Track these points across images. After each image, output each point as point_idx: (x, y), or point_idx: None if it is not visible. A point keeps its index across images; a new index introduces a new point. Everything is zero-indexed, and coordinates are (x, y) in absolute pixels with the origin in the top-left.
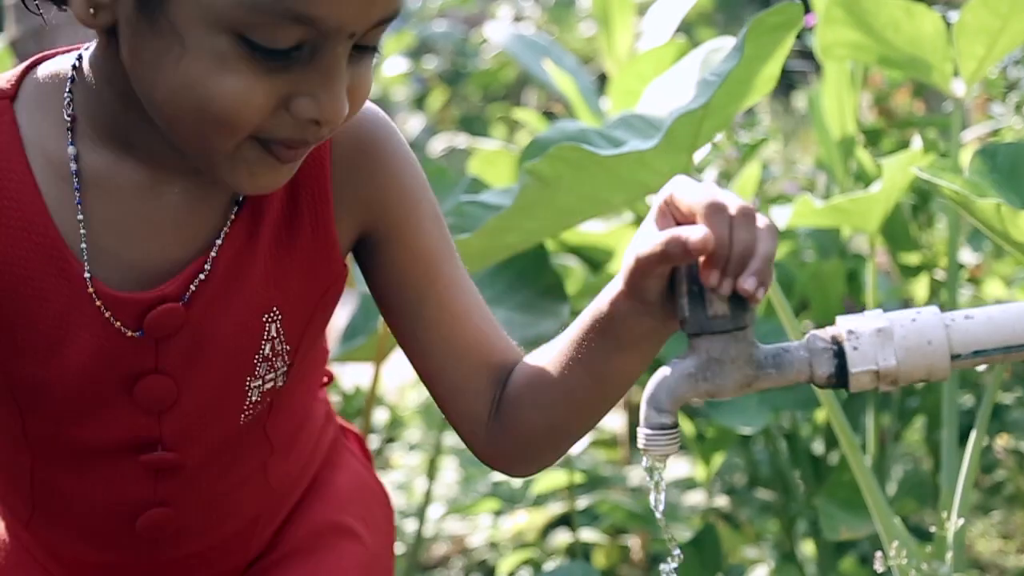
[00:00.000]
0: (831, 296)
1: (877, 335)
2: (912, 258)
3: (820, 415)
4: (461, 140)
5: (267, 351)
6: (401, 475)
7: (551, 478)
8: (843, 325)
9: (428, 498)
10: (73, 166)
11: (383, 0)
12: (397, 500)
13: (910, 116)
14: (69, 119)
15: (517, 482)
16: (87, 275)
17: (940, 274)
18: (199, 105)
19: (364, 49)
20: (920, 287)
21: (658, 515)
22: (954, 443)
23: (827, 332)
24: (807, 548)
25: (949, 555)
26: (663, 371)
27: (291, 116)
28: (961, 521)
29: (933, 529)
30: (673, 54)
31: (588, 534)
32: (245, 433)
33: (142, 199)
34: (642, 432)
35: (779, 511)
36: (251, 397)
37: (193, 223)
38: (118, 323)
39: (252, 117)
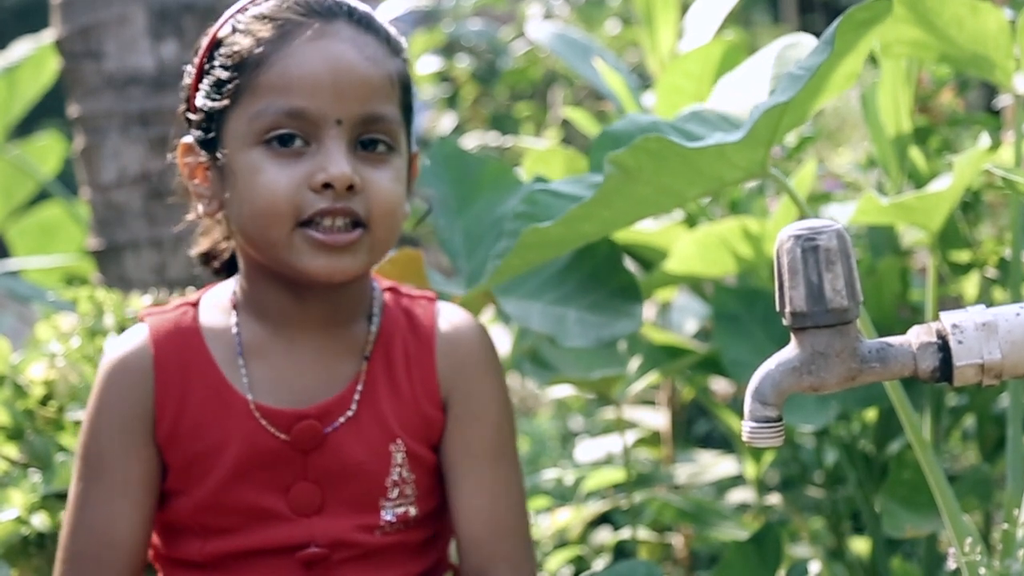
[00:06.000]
0: (886, 294)
1: (982, 329)
2: (962, 256)
3: (869, 414)
4: (491, 138)
5: (396, 476)
6: None
7: (604, 475)
8: (947, 320)
9: None
10: (236, 338)
11: (352, 94)
12: None
13: (955, 115)
14: (233, 305)
15: (568, 479)
16: (250, 400)
17: (991, 272)
18: (252, 206)
19: (368, 146)
20: (970, 285)
21: None
22: (1019, 440)
23: (931, 327)
24: (853, 546)
25: (1022, 552)
26: (767, 365)
27: (313, 192)
28: None
29: (1004, 527)
30: (720, 52)
31: (636, 532)
32: (386, 548)
33: (285, 354)
34: (747, 425)
35: (826, 509)
36: (385, 516)
37: (329, 367)
38: (272, 428)
39: (285, 198)
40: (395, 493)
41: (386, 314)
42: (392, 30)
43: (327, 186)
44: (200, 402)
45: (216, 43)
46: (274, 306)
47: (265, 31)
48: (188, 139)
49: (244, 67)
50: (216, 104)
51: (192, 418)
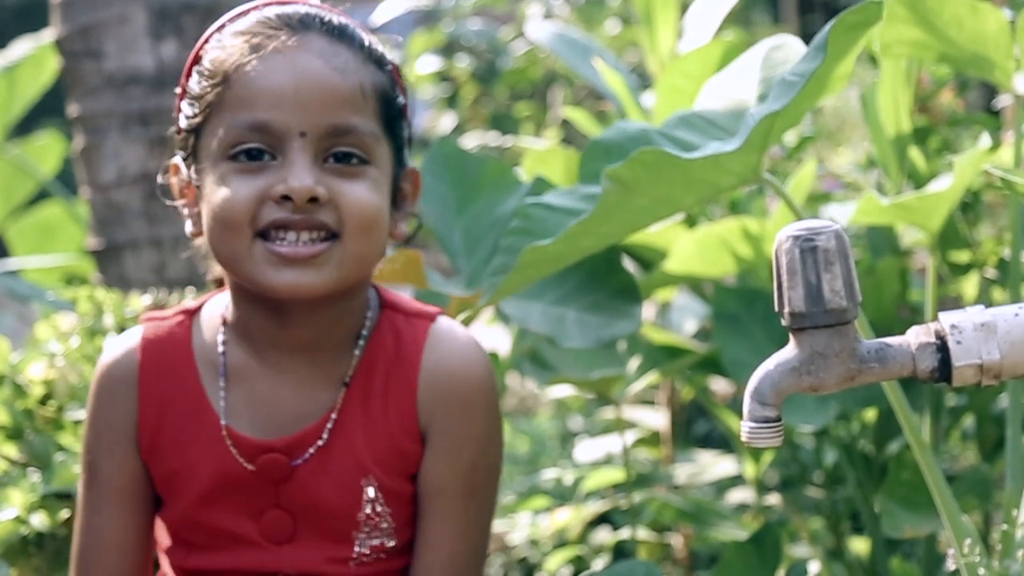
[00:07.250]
0: (885, 294)
1: (980, 329)
2: (962, 256)
3: (868, 414)
4: (491, 138)
5: (368, 511)
6: None
7: (604, 475)
8: (945, 320)
9: None
10: (222, 359)
11: (316, 105)
12: None
13: (955, 115)
14: (222, 325)
15: (567, 479)
16: (223, 424)
17: (990, 272)
18: (213, 218)
19: (341, 160)
20: (969, 286)
21: None
22: (1019, 440)
23: (930, 327)
24: (852, 546)
25: (1021, 552)
26: (766, 365)
27: (273, 203)
28: None
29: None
30: (720, 52)
31: (636, 532)
32: None
33: (266, 379)
34: (746, 425)
35: (825, 509)
36: (359, 548)
37: (308, 395)
38: (240, 458)
39: (243, 209)
40: (368, 527)
41: (374, 338)
42: (371, 40)
43: (286, 198)
44: (177, 417)
45: (196, 61)
46: (258, 329)
47: (238, 47)
48: (176, 159)
49: (216, 84)
50: (192, 121)
51: (170, 433)
